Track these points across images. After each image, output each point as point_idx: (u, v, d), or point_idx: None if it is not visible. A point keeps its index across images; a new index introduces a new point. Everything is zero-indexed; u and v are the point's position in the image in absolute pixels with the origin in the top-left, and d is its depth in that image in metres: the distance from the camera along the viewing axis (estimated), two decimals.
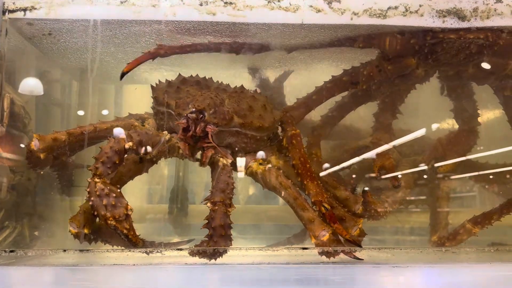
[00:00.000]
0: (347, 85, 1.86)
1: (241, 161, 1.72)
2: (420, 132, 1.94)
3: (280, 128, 1.81)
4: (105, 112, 2.14)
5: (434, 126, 2.11)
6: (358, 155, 2.03)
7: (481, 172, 2.08)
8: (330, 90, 1.86)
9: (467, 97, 1.93)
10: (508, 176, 2.03)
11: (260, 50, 1.75)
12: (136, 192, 2.27)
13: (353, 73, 1.84)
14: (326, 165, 1.84)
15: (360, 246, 1.52)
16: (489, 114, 2.10)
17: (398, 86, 1.89)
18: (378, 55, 1.83)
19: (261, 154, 1.72)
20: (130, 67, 1.65)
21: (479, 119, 1.97)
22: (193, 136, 1.62)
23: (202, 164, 1.67)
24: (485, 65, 1.80)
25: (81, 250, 1.50)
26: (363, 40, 1.72)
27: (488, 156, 2.05)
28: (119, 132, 1.58)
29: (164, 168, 2.37)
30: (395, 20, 1.59)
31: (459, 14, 1.59)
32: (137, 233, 1.49)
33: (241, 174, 1.72)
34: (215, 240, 1.46)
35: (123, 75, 1.65)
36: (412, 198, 2.17)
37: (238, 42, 1.71)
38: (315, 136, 1.94)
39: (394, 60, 1.79)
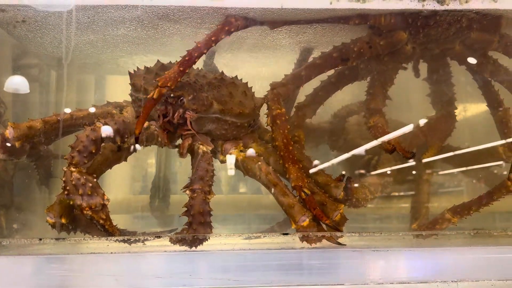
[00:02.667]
0: (337, 62, 1.82)
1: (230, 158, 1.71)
2: (409, 127, 1.94)
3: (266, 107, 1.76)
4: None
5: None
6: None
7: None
8: (319, 66, 1.82)
9: (446, 80, 1.93)
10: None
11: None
12: (117, 183, 2.24)
13: (344, 50, 1.81)
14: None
15: (340, 231, 1.52)
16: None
17: (386, 65, 1.86)
18: (369, 31, 1.82)
19: (251, 152, 1.71)
20: (140, 126, 1.51)
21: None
22: (172, 123, 1.60)
23: (181, 154, 1.65)
24: (472, 41, 1.81)
25: (57, 239, 1.48)
26: (359, 16, 1.69)
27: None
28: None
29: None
30: (375, 4, 1.57)
31: None
32: (114, 223, 1.47)
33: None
34: (194, 227, 1.45)
35: (137, 139, 1.54)
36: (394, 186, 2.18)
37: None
38: (300, 117, 1.90)
39: (385, 35, 1.78)
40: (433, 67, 1.94)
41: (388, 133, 1.72)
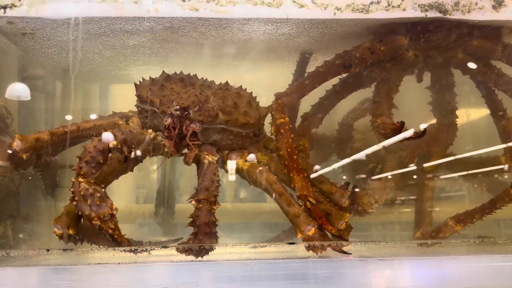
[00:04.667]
0: (340, 69, 1.84)
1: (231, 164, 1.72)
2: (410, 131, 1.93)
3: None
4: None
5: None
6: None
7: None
8: (322, 74, 1.83)
9: (449, 89, 1.94)
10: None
11: None
12: (122, 192, 2.25)
13: (346, 57, 1.82)
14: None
15: (346, 240, 1.52)
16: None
17: (389, 72, 1.87)
18: (370, 38, 1.83)
19: (251, 157, 1.72)
20: None
21: None
22: (179, 133, 1.61)
23: (186, 163, 1.66)
24: (474, 48, 1.81)
25: (64, 250, 1.48)
26: None
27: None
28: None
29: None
30: (378, 15, 1.60)
31: (440, 8, 1.61)
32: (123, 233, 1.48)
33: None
34: (200, 238, 1.45)
35: None
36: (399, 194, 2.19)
37: None
38: (305, 127, 1.91)
39: (386, 41, 1.79)
40: (437, 77, 1.95)
41: (396, 126, 1.66)
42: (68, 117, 1.99)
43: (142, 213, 2.35)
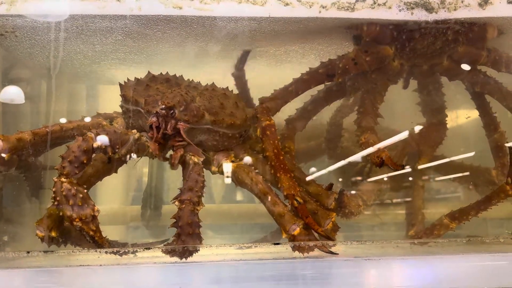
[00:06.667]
0: (323, 78, 1.83)
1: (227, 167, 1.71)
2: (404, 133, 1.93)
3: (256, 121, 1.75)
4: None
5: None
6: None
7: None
8: (306, 82, 1.82)
9: (437, 92, 1.93)
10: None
11: None
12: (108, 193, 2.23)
13: (330, 66, 1.81)
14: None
15: (332, 239, 1.51)
16: None
17: (373, 82, 1.86)
18: (355, 48, 1.81)
19: (247, 159, 1.71)
20: None
21: None
22: (164, 134, 1.59)
23: (172, 166, 1.64)
24: (460, 55, 1.80)
25: (45, 252, 1.46)
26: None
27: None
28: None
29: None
30: (364, 13, 1.59)
31: (426, 6, 1.60)
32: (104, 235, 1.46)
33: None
34: (182, 239, 1.43)
35: None
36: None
37: None
38: (290, 130, 1.91)
39: (371, 51, 1.78)
40: (423, 84, 1.94)
41: (375, 161, 1.68)
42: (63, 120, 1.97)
43: (129, 215, 2.32)
